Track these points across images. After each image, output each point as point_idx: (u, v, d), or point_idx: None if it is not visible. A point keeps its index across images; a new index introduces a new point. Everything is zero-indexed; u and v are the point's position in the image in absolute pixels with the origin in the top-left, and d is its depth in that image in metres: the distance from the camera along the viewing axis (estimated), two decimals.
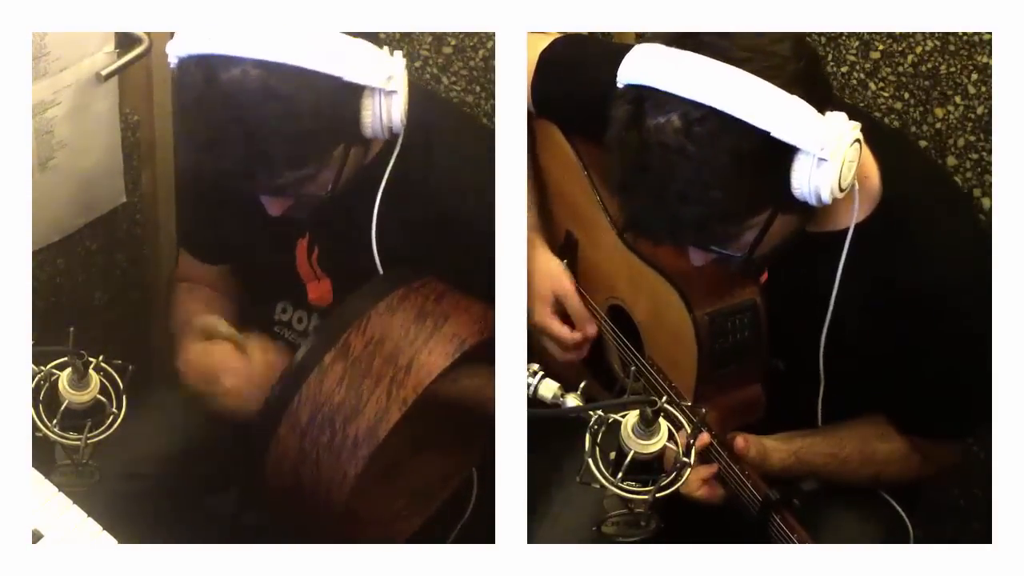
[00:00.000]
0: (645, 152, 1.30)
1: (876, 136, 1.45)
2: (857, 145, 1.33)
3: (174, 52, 1.41)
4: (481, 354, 1.59)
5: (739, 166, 1.28)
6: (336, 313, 1.62)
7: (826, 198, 1.31)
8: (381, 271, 1.62)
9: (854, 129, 1.33)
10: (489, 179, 1.54)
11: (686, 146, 1.27)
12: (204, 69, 1.38)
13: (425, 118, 1.55)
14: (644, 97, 1.30)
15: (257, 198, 1.54)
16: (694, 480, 1.49)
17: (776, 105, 1.27)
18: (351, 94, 1.43)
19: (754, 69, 1.27)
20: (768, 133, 1.27)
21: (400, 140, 1.53)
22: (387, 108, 1.45)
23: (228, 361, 1.63)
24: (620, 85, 1.33)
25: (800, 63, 1.31)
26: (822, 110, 1.31)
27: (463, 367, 1.61)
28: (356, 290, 1.62)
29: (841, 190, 1.32)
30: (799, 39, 1.34)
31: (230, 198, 1.57)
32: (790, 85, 1.28)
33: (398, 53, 1.47)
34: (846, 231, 1.43)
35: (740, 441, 1.51)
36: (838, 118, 1.32)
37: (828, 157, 1.29)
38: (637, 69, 1.31)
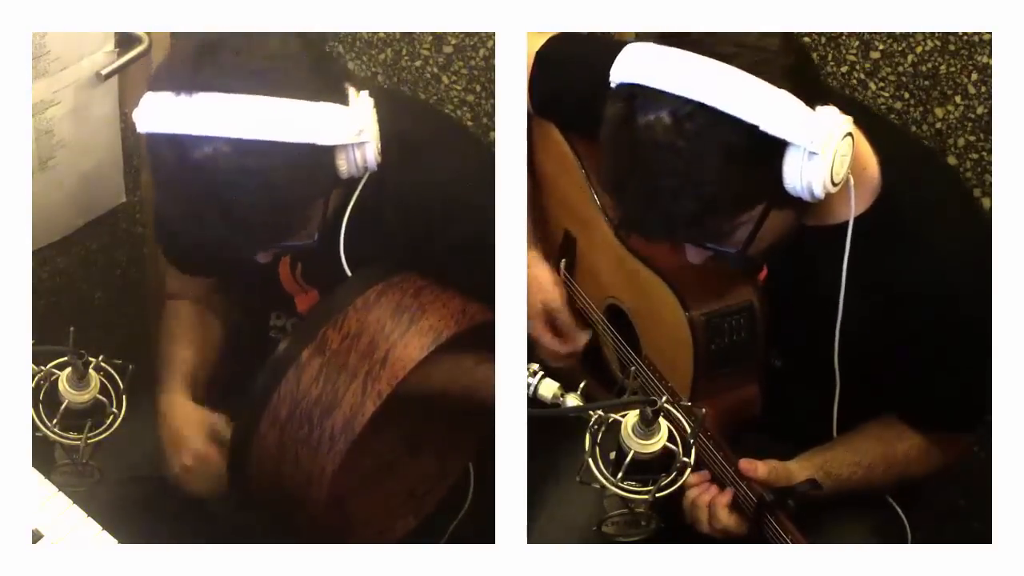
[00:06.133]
0: (637, 150, 1.30)
1: (875, 128, 1.44)
2: (849, 139, 1.33)
3: (142, 126, 1.39)
4: (462, 344, 1.59)
5: (730, 161, 1.28)
6: (315, 309, 1.63)
7: (818, 192, 1.31)
8: None
9: (846, 123, 1.32)
10: (470, 180, 1.54)
11: (676, 142, 1.27)
12: (176, 148, 1.37)
13: (399, 127, 1.54)
14: (635, 95, 1.30)
15: None
16: (722, 509, 1.49)
17: (764, 99, 1.27)
18: (324, 153, 1.43)
19: (742, 64, 1.27)
20: (757, 127, 1.27)
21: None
22: (361, 155, 1.45)
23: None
24: (612, 85, 1.33)
25: (789, 58, 1.30)
26: (812, 104, 1.30)
27: (445, 357, 1.61)
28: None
29: (834, 184, 1.32)
30: (788, 34, 1.33)
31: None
32: (779, 79, 1.28)
33: (364, 93, 1.47)
34: (846, 224, 1.42)
35: (744, 464, 1.49)
36: (829, 112, 1.31)
37: (818, 150, 1.28)
38: (628, 68, 1.31)
